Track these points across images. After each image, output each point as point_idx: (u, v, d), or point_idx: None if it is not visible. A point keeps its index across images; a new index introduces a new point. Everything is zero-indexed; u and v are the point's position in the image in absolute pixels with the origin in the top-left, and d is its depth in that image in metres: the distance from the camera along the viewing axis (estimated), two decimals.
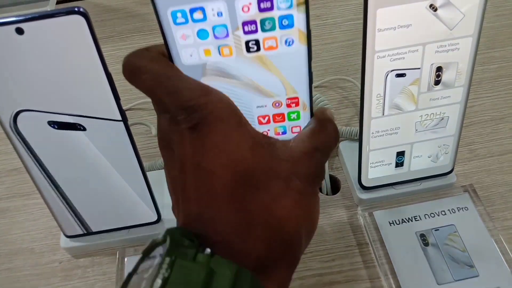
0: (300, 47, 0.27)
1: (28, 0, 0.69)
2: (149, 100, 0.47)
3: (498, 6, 0.57)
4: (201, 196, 0.22)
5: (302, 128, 0.31)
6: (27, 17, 0.28)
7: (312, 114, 0.31)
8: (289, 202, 0.23)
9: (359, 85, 0.48)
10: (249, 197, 0.22)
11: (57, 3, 0.68)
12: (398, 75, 0.32)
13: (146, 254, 0.22)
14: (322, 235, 0.38)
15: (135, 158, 0.35)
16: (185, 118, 0.22)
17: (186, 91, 0.23)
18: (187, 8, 0.25)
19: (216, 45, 0.27)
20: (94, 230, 0.38)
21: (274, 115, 0.31)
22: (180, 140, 0.22)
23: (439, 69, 0.33)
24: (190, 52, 0.27)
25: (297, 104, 0.30)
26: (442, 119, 0.36)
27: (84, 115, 0.32)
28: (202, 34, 0.26)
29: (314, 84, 0.50)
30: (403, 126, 0.35)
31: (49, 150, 0.34)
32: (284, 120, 0.31)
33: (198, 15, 0.25)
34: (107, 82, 0.30)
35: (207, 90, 0.23)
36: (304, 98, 0.30)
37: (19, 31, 0.28)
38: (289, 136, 0.32)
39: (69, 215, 0.37)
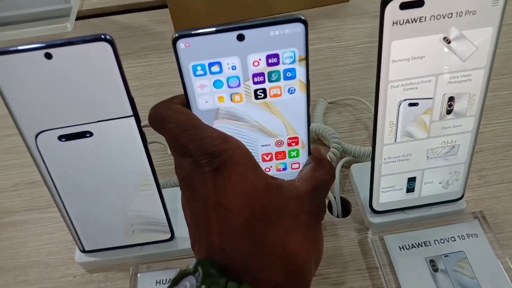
0: (300, 95, 0.31)
1: (49, 16, 0.71)
2: None
3: (508, 33, 0.58)
4: (223, 230, 0.24)
5: (301, 165, 0.35)
6: (56, 42, 0.29)
7: (309, 152, 0.34)
8: (300, 236, 0.26)
9: (372, 107, 0.49)
10: (265, 231, 0.25)
11: (77, 19, 0.70)
12: (411, 104, 0.33)
13: (175, 283, 0.24)
14: (332, 258, 0.39)
15: (152, 175, 0.36)
16: (208, 162, 0.25)
17: (209, 139, 0.26)
18: (206, 63, 0.29)
19: (229, 93, 0.30)
20: (108, 246, 0.39)
21: (276, 153, 0.34)
22: (203, 181, 0.25)
23: (451, 99, 0.33)
24: (206, 99, 0.31)
25: (297, 143, 0.34)
26: (453, 147, 0.36)
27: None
28: (217, 84, 0.30)
29: (329, 101, 0.51)
30: (415, 153, 0.36)
31: (61, 164, 0.35)
32: (285, 158, 0.35)
33: (215, 68, 0.29)
34: (129, 106, 0.32)
35: (226, 138, 0.26)
36: (303, 137, 0.33)
37: (48, 56, 0.29)
38: (289, 171, 0.35)
39: (85, 230, 0.38)
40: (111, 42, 0.29)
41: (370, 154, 0.43)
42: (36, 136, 0.33)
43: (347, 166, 0.45)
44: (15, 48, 0.29)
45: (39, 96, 0.31)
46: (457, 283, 0.35)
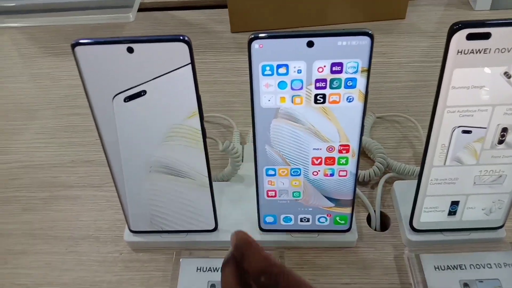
0: (358, 104, 0.32)
1: (111, 5, 0.75)
2: (216, 114, 0.52)
3: None
4: None
5: (348, 173, 0.37)
6: (138, 38, 0.31)
7: (358, 162, 0.35)
8: None
9: (420, 127, 0.50)
10: None
11: (138, 10, 0.74)
12: (465, 132, 0.34)
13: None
14: (367, 269, 0.40)
15: (207, 171, 0.38)
16: (266, 279, 0.29)
17: (265, 261, 0.30)
18: (274, 64, 0.31)
19: (291, 95, 0.32)
20: (156, 229, 0.42)
21: (326, 158, 0.36)
22: None
23: (504, 129, 0.34)
24: (269, 98, 0.33)
25: (347, 151, 0.35)
26: (500, 176, 0.37)
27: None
28: (282, 85, 0.32)
29: (376, 115, 0.52)
30: (462, 177, 0.37)
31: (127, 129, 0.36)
32: (334, 164, 0.36)
33: (282, 70, 0.31)
34: (197, 105, 0.34)
35: (277, 263, 0.30)
36: (354, 146, 0.35)
37: (130, 50, 0.32)
38: (335, 178, 0.37)
39: (135, 211, 0.41)
40: (188, 44, 0.31)
41: (414, 173, 0.44)
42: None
43: (389, 182, 0.46)
44: (101, 40, 0.32)
45: (116, 86, 0.33)
46: None
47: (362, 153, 0.49)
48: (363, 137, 0.48)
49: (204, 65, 0.63)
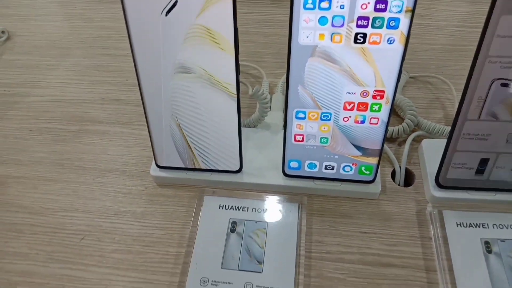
0: (398, 47, 0.32)
1: None
2: (246, 63, 0.51)
3: None
4: None
5: (380, 121, 0.36)
6: None
7: (392, 109, 0.34)
8: None
9: (454, 89, 0.49)
10: None
11: None
12: (504, 85, 0.33)
13: None
14: (388, 220, 0.40)
15: (237, 110, 0.38)
16: None
17: None
18: None
19: (330, 32, 0.32)
20: (182, 166, 0.43)
21: (359, 103, 0.35)
22: None
23: None
24: (308, 34, 0.32)
25: (382, 97, 0.34)
26: None
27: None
28: (322, 20, 0.31)
29: (410, 75, 0.51)
30: (495, 134, 0.36)
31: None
32: (366, 110, 0.35)
33: (324, 4, 0.31)
34: (233, 37, 0.34)
35: None
36: (389, 92, 0.34)
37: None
38: (366, 125, 0.36)
39: (166, 147, 0.41)
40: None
41: (444, 132, 0.44)
42: None
43: (417, 140, 0.45)
44: None
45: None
46: (508, 267, 0.36)
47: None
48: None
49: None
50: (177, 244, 0.40)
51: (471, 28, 0.58)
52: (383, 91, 0.34)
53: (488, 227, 0.38)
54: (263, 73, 0.53)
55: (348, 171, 0.40)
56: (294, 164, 0.41)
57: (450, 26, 0.58)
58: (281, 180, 0.42)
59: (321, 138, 0.38)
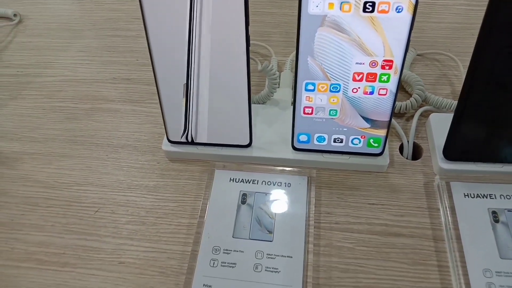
0: (406, 15, 0.32)
1: None
2: (255, 42, 0.52)
3: None
4: None
5: (388, 92, 0.36)
6: None
7: (400, 80, 0.35)
8: None
9: (461, 64, 0.49)
10: None
11: None
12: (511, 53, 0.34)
13: None
14: (396, 192, 0.41)
15: (247, 85, 0.39)
16: None
17: None
18: None
19: (339, 1, 0.32)
20: (195, 141, 0.43)
21: (368, 74, 0.35)
22: None
23: None
24: (317, 3, 0.32)
25: (390, 67, 0.34)
26: None
27: None
28: None
29: (418, 52, 0.51)
30: (504, 106, 0.36)
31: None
32: (375, 81, 0.36)
33: None
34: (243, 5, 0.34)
35: None
36: (398, 62, 0.34)
37: None
38: (375, 96, 0.37)
39: (173, 120, 0.42)
40: None
41: (452, 106, 0.44)
42: None
43: (425, 115, 0.46)
44: None
45: None
46: None
47: (400, 86, 0.49)
48: (403, 70, 0.48)
49: None
50: (189, 215, 0.41)
51: (478, 7, 0.58)
52: (392, 61, 0.35)
53: (496, 198, 0.39)
54: (272, 52, 0.54)
55: (356, 144, 0.41)
56: (303, 138, 0.42)
57: (457, 5, 0.58)
58: (290, 154, 0.43)
59: (330, 110, 0.39)
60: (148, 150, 0.46)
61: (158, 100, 0.41)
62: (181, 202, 0.42)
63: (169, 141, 0.44)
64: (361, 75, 0.36)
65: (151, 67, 0.38)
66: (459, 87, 0.49)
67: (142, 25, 0.36)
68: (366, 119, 0.39)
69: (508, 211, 0.38)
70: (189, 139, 0.43)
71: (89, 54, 0.57)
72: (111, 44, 0.58)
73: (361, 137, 0.40)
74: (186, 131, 0.43)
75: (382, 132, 0.40)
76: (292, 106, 0.41)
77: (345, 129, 0.40)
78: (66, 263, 0.39)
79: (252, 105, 0.46)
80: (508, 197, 0.39)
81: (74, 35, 0.60)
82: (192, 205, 0.41)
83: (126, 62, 0.56)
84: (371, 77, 0.36)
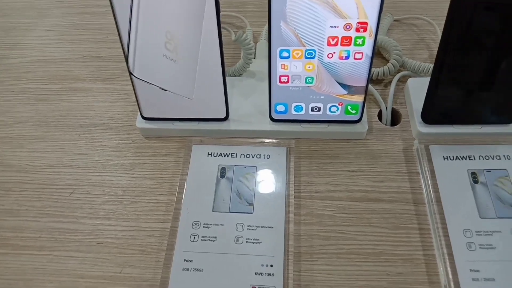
0: None
1: None
2: (229, 13, 0.50)
3: None
4: None
5: (364, 55, 0.35)
6: None
7: (375, 43, 0.34)
8: None
9: (438, 28, 0.49)
10: None
11: None
12: (487, 8, 0.33)
13: None
14: (375, 158, 0.40)
15: (220, 55, 0.37)
16: None
17: None
18: None
19: None
20: (167, 116, 0.42)
21: (343, 38, 0.35)
22: None
23: None
24: None
25: (365, 29, 0.34)
26: None
27: None
28: None
29: (395, 18, 0.51)
30: (481, 65, 0.36)
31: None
32: (350, 44, 0.35)
33: None
34: None
35: None
36: (372, 24, 0.34)
37: None
38: (351, 61, 0.36)
39: (147, 96, 0.41)
40: None
41: (429, 71, 0.44)
42: None
43: (403, 81, 0.45)
44: None
45: None
46: (494, 195, 0.36)
47: (377, 52, 0.48)
48: (380, 36, 0.47)
49: None
50: (167, 192, 0.40)
51: None
52: (366, 23, 0.34)
53: (475, 159, 0.39)
54: (247, 22, 0.52)
55: (334, 112, 0.40)
56: (280, 108, 0.41)
57: None
58: (268, 126, 0.42)
59: (306, 77, 0.38)
60: (123, 129, 0.45)
61: (129, 77, 0.39)
62: (159, 179, 0.41)
63: (143, 117, 0.43)
64: (335, 39, 0.35)
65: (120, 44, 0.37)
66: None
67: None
68: (343, 85, 0.38)
69: (487, 171, 0.38)
70: (163, 115, 0.42)
71: (57, 33, 0.55)
72: (80, 22, 0.56)
73: (339, 104, 0.40)
74: (159, 107, 0.41)
75: (359, 98, 0.39)
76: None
77: (322, 96, 0.39)
78: (42, 246, 0.38)
79: (228, 78, 0.45)
80: (486, 157, 0.39)
81: (41, 14, 0.58)
82: (170, 182, 0.40)
83: (96, 39, 0.54)
84: (346, 40, 0.35)
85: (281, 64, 0.37)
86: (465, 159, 0.39)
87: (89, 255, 0.37)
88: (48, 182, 0.42)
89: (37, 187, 0.41)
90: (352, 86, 0.38)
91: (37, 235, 0.38)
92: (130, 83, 0.40)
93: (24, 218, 0.39)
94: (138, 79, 0.39)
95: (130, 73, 0.38)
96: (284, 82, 0.39)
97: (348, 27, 0.34)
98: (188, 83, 0.39)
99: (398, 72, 0.45)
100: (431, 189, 0.37)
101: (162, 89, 0.38)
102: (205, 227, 0.37)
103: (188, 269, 0.35)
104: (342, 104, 0.39)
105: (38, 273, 0.36)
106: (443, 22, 0.50)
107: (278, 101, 0.40)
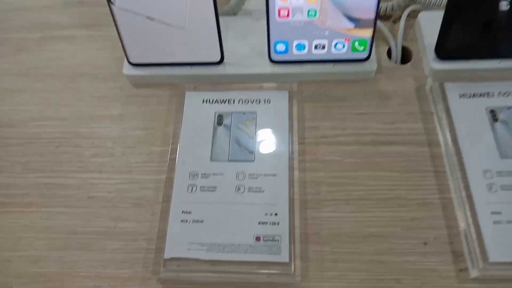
0: None
1: None
2: None
3: None
4: None
5: None
6: None
7: None
8: None
9: None
10: None
11: None
12: None
13: None
14: (385, 99, 0.37)
15: None
16: None
17: None
18: None
19: None
20: (157, 61, 0.39)
21: None
22: None
23: None
24: None
25: None
26: None
27: None
28: None
29: None
30: None
31: None
32: None
33: None
34: None
35: None
36: None
37: None
38: None
39: (133, 39, 0.37)
40: None
41: (442, 3, 0.40)
42: None
43: (413, 16, 0.41)
44: None
45: None
46: None
47: None
48: None
49: None
50: (161, 143, 0.37)
51: None
52: None
53: (494, 96, 0.35)
54: None
55: (340, 49, 0.37)
56: (280, 47, 0.37)
57: None
58: (268, 68, 0.38)
59: (308, 10, 0.34)
60: (110, 77, 0.41)
61: (111, 16, 0.36)
62: (151, 129, 0.38)
63: (130, 63, 0.39)
64: None
65: None
66: None
67: None
68: (350, 18, 0.34)
69: (508, 108, 0.35)
70: (152, 60, 0.38)
71: None
72: None
73: (345, 40, 0.36)
74: (148, 50, 0.38)
75: (367, 33, 0.35)
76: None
77: (327, 32, 0.36)
78: (30, 203, 0.35)
79: (221, 17, 0.41)
80: (506, 94, 0.35)
81: None
82: (163, 132, 0.37)
83: None
84: None
85: None
86: (484, 96, 0.35)
87: (81, 210, 0.34)
88: (33, 136, 0.39)
89: (21, 142, 0.38)
90: (359, 19, 0.34)
91: (24, 192, 0.36)
92: (115, 28, 0.36)
93: (9, 174, 0.37)
94: (121, 12, 0.35)
95: (109, 2, 0.34)
96: (284, 17, 0.35)
97: None
98: (178, 11, 0.35)
99: (408, 7, 0.41)
100: (447, 129, 0.34)
101: (149, 18, 0.35)
102: (203, 177, 0.34)
103: (187, 220, 0.32)
104: (348, 40, 0.36)
105: (27, 231, 0.34)
106: None
107: (278, 39, 0.37)
